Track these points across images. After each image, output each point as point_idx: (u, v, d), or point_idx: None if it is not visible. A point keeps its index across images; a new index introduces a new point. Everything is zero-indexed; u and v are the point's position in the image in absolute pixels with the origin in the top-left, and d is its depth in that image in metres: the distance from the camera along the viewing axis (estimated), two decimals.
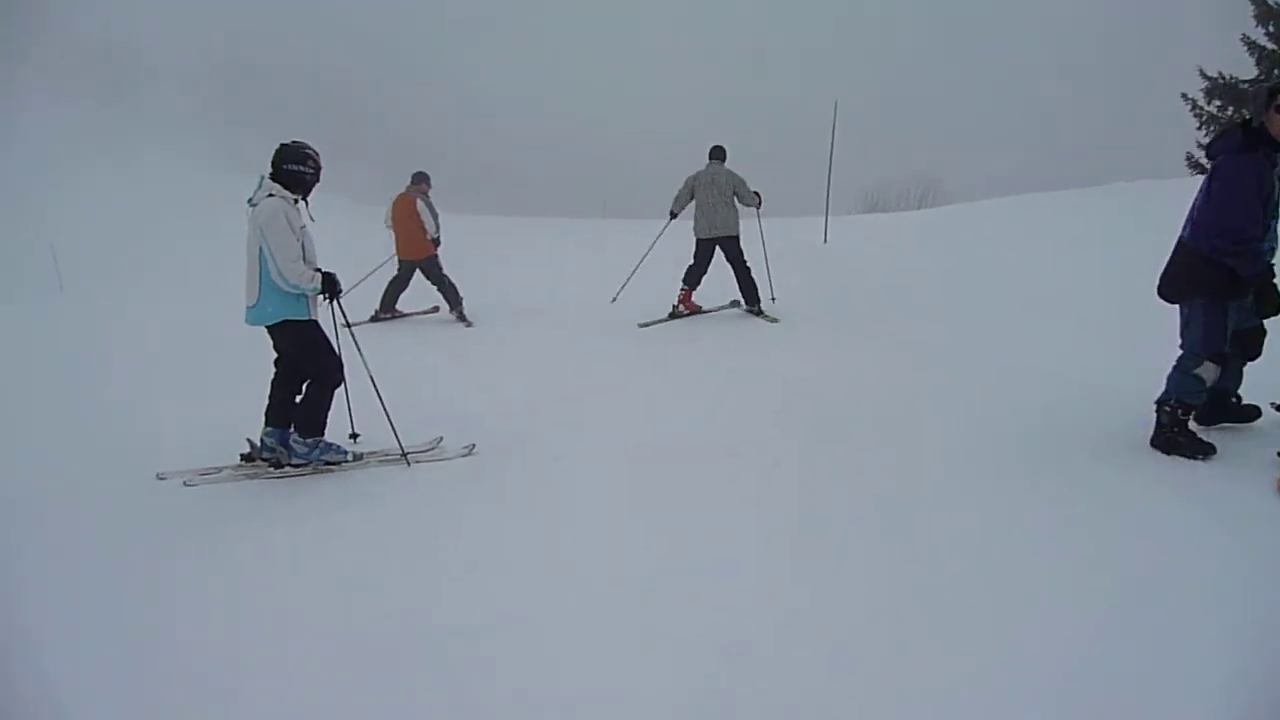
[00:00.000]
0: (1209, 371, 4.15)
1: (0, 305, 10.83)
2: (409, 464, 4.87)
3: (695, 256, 8.56)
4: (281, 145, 4.74)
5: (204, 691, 2.85)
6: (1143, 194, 12.65)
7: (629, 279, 9.60)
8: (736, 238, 8.38)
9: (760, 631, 3.05)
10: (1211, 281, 4.07)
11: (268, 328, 4.71)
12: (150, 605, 3.40)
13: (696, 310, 8.78)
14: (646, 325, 8.45)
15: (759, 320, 8.43)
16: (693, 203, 8.53)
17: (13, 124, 25.94)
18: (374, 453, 5.02)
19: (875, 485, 4.29)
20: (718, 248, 8.40)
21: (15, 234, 16.24)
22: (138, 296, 11.18)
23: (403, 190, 9.16)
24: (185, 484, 4.66)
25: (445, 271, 9.08)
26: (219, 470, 4.83)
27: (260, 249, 4.52)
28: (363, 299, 8.76)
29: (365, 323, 8.96)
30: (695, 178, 8.48)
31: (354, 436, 5.13)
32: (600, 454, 4.95)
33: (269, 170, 4.68)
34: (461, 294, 9.13)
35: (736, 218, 8.42)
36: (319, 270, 4.68)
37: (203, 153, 27.90)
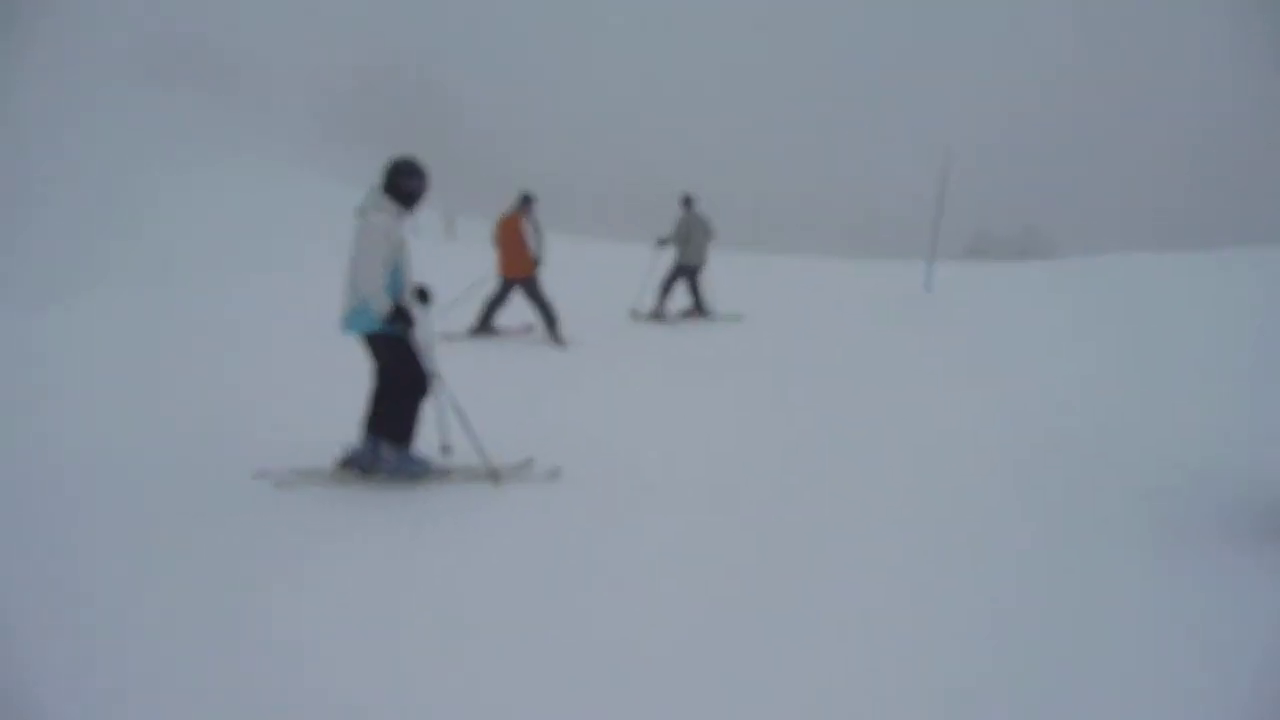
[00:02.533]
0: None
1: (118, 294, 11.36)
2: (497, 482, 4.77)
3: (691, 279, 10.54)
4: (394, 159, 4.76)
5: (298, 689, 2.82)
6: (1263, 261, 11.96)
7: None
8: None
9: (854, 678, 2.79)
10: None
11: (366, 337, 4.69)
12: (229, 602, 3.40)
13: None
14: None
15: (872, 359, 8.16)
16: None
17: (140, 129, 27.85)
18: (462, 468, 4.94)
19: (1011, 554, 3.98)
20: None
21: (136, 228, 17.27)
22: (257, 290, 11.57)
23: (508, 209, 9.23)
24: (276, 485, 4.66)
25: (544, 291, 9.09)
26: (316, 473, 4.82)
27: (356, 258, 4.52)
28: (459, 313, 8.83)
29: (461, 338, 9.03)
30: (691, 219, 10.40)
31: (445, 449, 5.07)
32: (686, 486, 4.81)
33: (379, 181, 4.69)
34: (557, 314, 9.10)
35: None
36: (395, 304, 4.58)
37: (322, 163, 29.28)
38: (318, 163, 30.17)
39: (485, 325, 9.36)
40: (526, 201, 9.30)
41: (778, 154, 48.49)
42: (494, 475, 4.80)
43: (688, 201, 10.57)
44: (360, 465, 4.79)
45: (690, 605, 3.45)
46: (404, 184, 4.67)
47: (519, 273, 9.09)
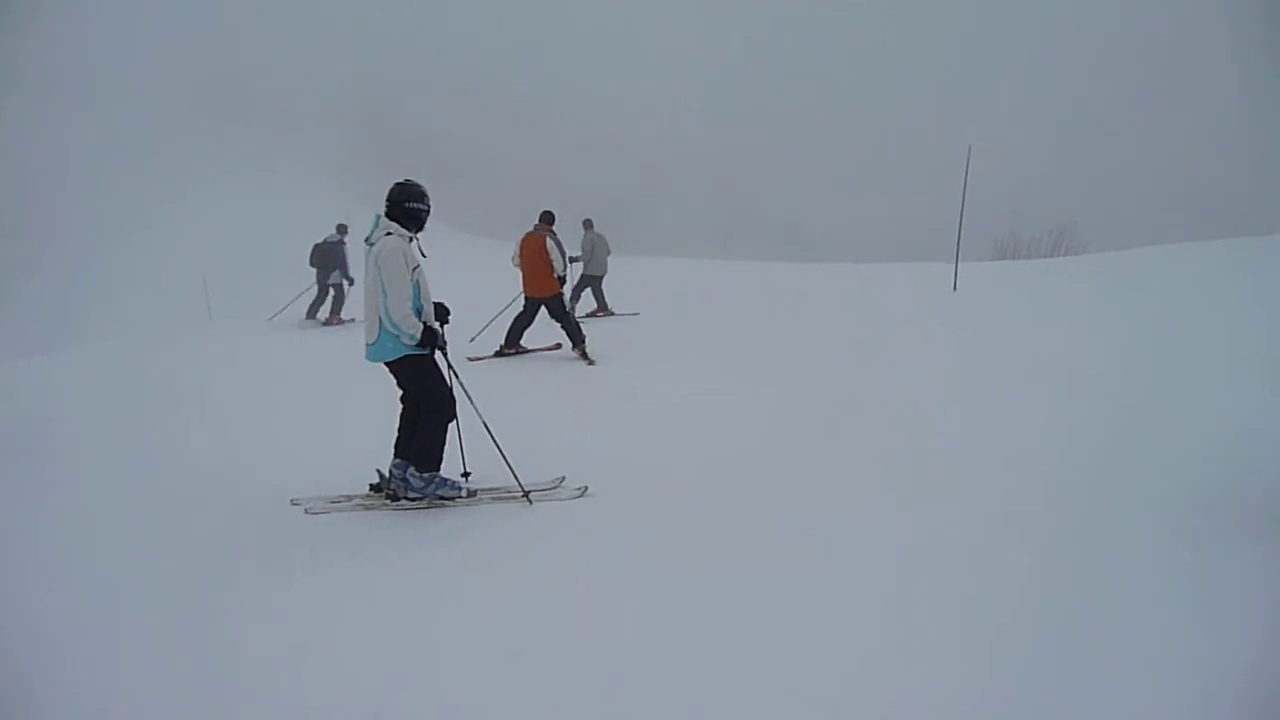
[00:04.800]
0: None
1: (157, 331, 11.65)
2: (530, 502, 4.80)
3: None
4: (398, 184, 4.82)
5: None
6: None
7: None
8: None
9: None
10: None
11: (387, 364, 4.76)
12: (248, 624, 3.49)
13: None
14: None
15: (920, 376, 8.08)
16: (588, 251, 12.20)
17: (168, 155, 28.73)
18: (491, 490, 4.98)
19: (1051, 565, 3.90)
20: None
21: (167, 262, 17.76)
22: (283, 326, 11.82)
23: (530, 229, 9.31)
24: (307, 512, 4.74)
25: (570, 309, 9.16)
26: (348, 499, 4.90)
27: (380, 286, 4.57)
28: (486, 334, 8.89)
29: (489, 357, 9.12)
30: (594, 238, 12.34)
31: (466, 475, 5.11)
32: (717, 504, 4.75)
33: (384, 208, 4.76)
34: (585, 333, 9.15)
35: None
36: (425, 324, 4.67)
37: (348, 184, 29.91)
38: (347, 182, 31.00)
39: (513, 345, 9.44)
40: (546, 219, 9.38)
41: (806, 160, 48.23)
42: (525, 495, 4.83)
43: (588, 224, 12.69)
44: (390, 490, 4.85)
45: (721, 624, 3.43)
46: (410, 208, 4.74)
47: (544, 292, 9.15)
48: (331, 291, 13.22)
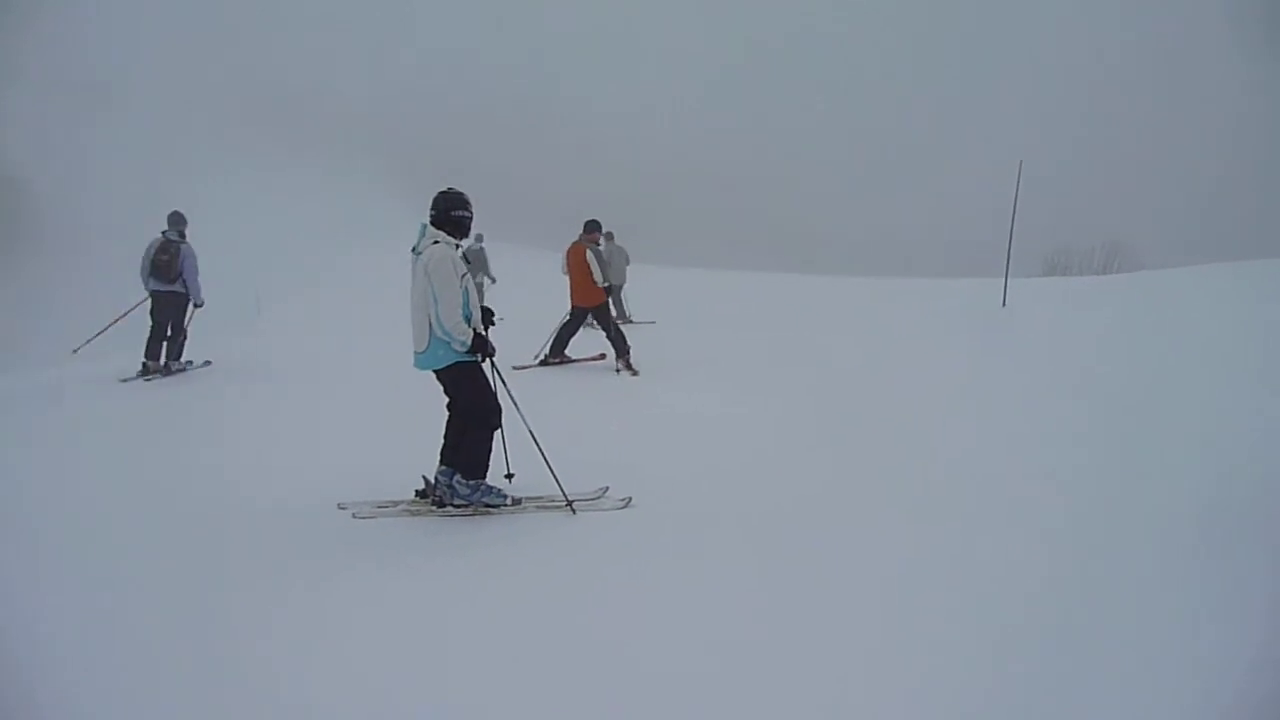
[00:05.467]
0: None
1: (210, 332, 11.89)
2: (574, 511, 4.78)
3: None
4: (443, 193, 4.85)
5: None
6: None
7: None
8: None
9: None
10: None
11: (436, 372, 4.78)
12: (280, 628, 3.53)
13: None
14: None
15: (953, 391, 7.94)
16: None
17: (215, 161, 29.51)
18: (534, 498, 4.97)
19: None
20: None
21: (217, 261, 18.11)
22: (331, 326, 11.99)
23: (576, 238, 9.34)
24: (354, 516, 4.77)
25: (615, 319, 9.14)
26: (394, 504, 4.92)
27: (430, 294, 4.59)
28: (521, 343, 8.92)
29: (533, 365, 9.14)
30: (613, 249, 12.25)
31: (509, 476, 5.12)
32: (756, 517, 4.71)
33: (429, 216, 4.78)
34: (629, 343, 9.12)
35: None
36: (475, 330, 4.70)
37: (394, 189, 30.49)
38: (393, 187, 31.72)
39: (558, 354, 9.46)
40: (591, 229, 9.41)
41: (854, 178, 47.99)
42: (570, 504, 4.81)
43: (609, 235, 12.58)
44: (436, 497, 4.87)
45: (741, 630, 3.42)
46: (456, 215, 4.78)
47: (589, 301, 9.16)
48: None
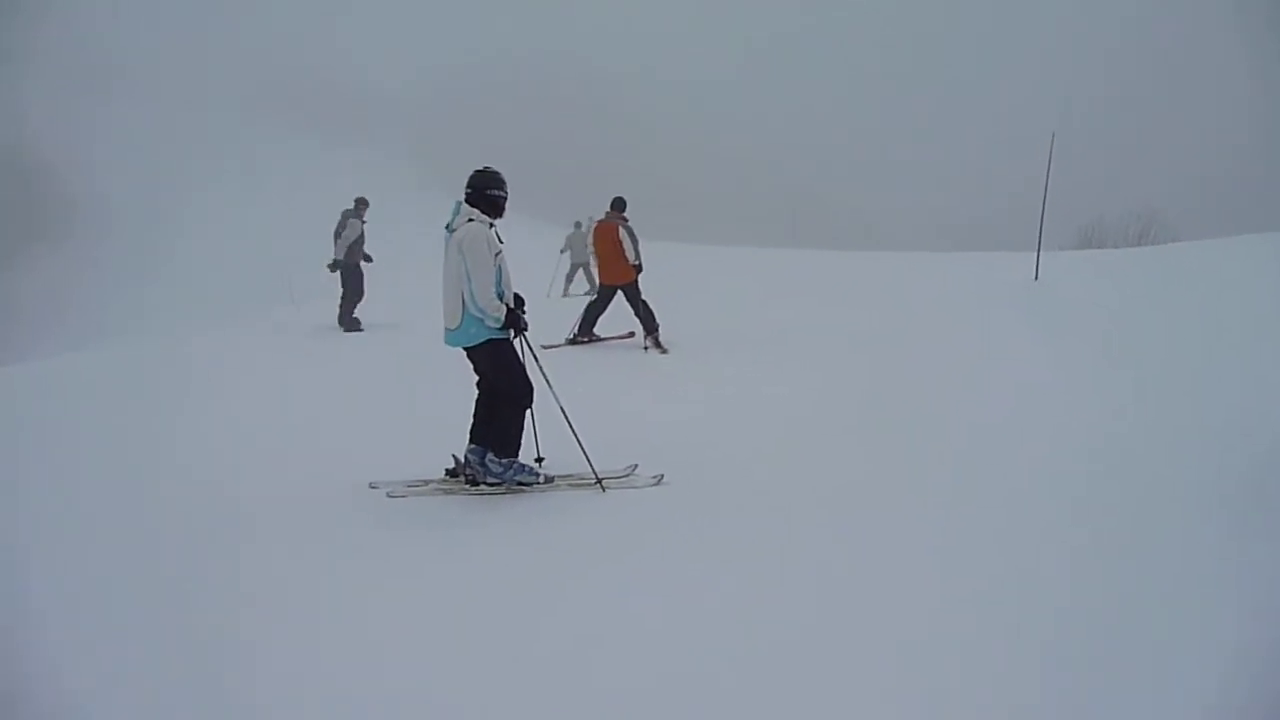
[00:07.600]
0: None
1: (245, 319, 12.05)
2: (603, 489, 4.79)
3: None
4: (479, 171, 4.86)
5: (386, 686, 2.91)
6: None
7: None
8: None
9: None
10: None
11: (467, 349, 4.79)
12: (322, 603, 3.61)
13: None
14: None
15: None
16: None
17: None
18: (566, 476, 4.98)
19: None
20: None
21: (252, 249, 18.33)
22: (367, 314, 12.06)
23: (602, 216, 9.27)
24: (389, 495, 4.82)
25: (644, 298, 9.06)
26: (425, 484, 4.97)
27: (464, 271, 4.60)
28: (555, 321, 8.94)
29: (563, 345, 9.12)
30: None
31: (539, 460, 5.13)
32: (789, 497, 4.65)
33: (464, 194, 4.79)
34: (659, 320, 9.06)
35: None
36: (508, 306, 4.72)
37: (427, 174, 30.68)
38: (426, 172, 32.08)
39: (587, 332, 9.44)
40: (618, 206, 9.34)
41: (889, 151, 47.35)
42: (600, 483, 4.82)
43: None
44: (467, 476, 4.90)
45: (795, 623, 3.36)
46: (491, 194, 4.78)
47: (620, 279, 9.10)
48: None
